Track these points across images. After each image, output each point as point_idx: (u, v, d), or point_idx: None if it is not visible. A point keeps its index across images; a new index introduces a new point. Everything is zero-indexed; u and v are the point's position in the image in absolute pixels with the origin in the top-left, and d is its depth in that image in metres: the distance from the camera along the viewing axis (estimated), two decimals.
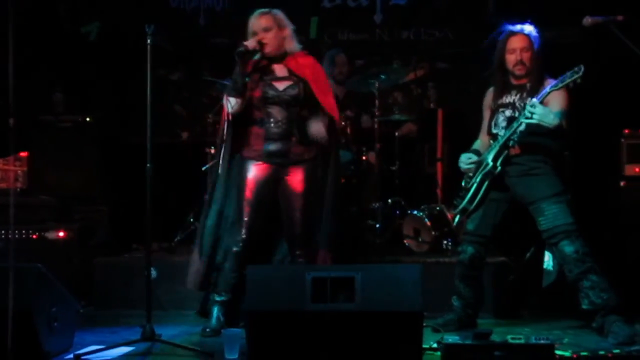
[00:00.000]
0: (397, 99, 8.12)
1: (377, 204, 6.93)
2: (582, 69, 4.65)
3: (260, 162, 5.21)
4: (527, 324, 5.51)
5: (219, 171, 5.28)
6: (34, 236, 6.35)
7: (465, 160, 5.20)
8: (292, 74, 5.23)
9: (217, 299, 5.29)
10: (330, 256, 5.29)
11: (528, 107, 4.74)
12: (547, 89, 4.79)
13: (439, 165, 7.42)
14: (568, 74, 4.70)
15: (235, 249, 5.21)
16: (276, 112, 5.18)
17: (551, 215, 4.90)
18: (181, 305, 6.02)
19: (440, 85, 8.11)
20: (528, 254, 6.32)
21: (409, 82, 7.88)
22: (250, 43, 5.11)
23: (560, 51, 6.11)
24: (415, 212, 6.77)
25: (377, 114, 6.91)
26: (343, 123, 6.86)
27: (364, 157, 7.15)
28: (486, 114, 5.24)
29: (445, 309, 5.33)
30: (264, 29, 5.17)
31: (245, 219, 5.19)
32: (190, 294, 5.76)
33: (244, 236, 5.19)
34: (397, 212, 7.07)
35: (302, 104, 5.20)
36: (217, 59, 8.17)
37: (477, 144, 5.29)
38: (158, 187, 5.22)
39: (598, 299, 4.82)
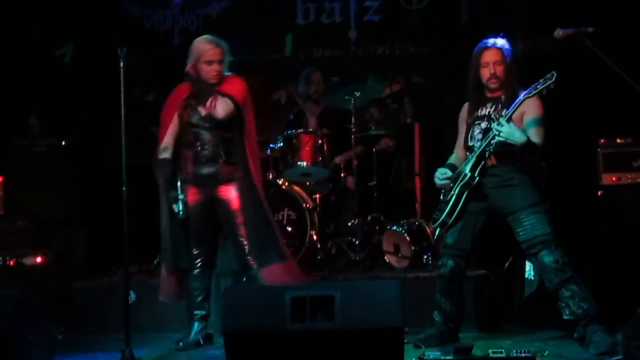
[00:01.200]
0: (374, 115, 8.12)
1: (356, 220, 6.92)
2: (555, 75, 4.68)
3: (192, 185, 5.36)
4: (509, 336, 5.51)
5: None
6: (11, 262, 6.31)
7: (440, 175, 5.20)
8: (222, 96, 5.33)
9: (196, 313, 5.43)
10: (292, 264, 5.50)
11: (495, 126, 4.78)
12: (521, 96, 4.81)
13: (417, 179, 7.42)
14: (540, 81, 4.73)
15: (195, 271, 5.41)
16: (203, 135, 5.33)
17: (529, 225, 4.90)
18: (161, 327, 6.00)
19: (416, 100, 8.12)
20: (506, 265, 6.34)
21: (385, 97, 7.89)
22: (192, 72, 5.35)
23: (534, 62, 6.16)
24: (394, 227, 6.77)
25: (353, 129, 6.91)
26: (320, 141, 6.86)
27: (341, 174, 7.15)
28: (462, 128, 5.26)
29: (427, 323, 5.32)
30: (220, 61, 5.33)
31: (194, 240, 5.40)
32: (170, 315, 5.75)
33: (199, 258, 5.41)
34: (377, 227, 7.06)
35: (227, 126, 5.34)
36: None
37: (452, 158, 5.30)
38: (136, 209, 5.21)
39: (579, 309, 4.82)
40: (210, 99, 5.31)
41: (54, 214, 6.99)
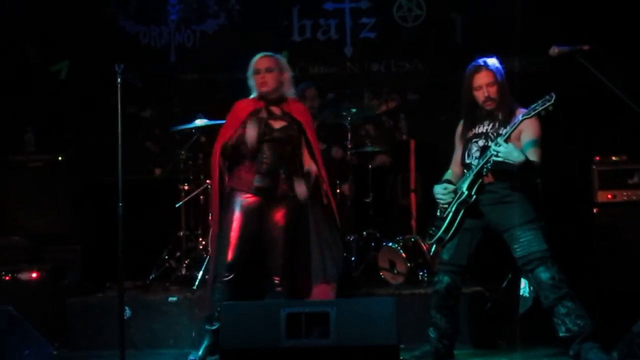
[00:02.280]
0: (369, 131, 8.14)
1: (352, 237, 6.91)
2: (554, 97, 4.69)
3: (248, 195, 5.33)
4: (504, 353, 5.51)
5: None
6: (6, 278, 6.29)
7: (442, 190, 5.20)
8: (286, 115, 5.42)
9: (208, 327, 5.35)
10: (331, 287, 5.44)
11: (493, 147, 4.80)
12: (519, 117, 4.82)
13: (412, 196, 7.42)
14: (539, 102, 4.73)
15: (223, 278, 5.27)
16: (268, 149, 5.33)
17: (526, 242, 4.91)
18: (155, 343, 5.98)
19: (412, 117, 8.15)
20: (505, 282, 6.33)
21: (381, 113, 7.91)
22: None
23: (529, 80, 6.18)
24: (390, 243, 6.77)
25: (349, 146, 6.92)
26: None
27: (337, 190, 7.15)
28: (458, 146, 5.27)
29: (422, 340, 5.31)
30: (267, 69, 5.38)
31: (233, 249, 5.28)
32: (165, 332, 5.72)
33: (231, 266, 5.27)
34: (372, 244, 7.05)
35: (293, 143, 5.40)
36: (187, 95, 8.19)
37: (448, 174, 5.30)
38: (131, 225, 5.21)
39: (574, 326, 4.82)
40: (279, 115, 5.40)
41: (49, 230, 6.98)
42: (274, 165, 5.33)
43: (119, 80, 5.00)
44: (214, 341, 5.27)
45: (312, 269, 5.47)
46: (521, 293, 5.77)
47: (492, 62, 5.11)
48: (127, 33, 8.44)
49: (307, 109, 5.68)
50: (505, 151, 4.76)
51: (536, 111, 4.74)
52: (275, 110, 5.43)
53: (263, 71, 5.37)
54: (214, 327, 5.31)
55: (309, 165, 5.45)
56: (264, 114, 5.38)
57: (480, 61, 5.12)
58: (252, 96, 5.47)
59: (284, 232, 5.35)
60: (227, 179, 5.42)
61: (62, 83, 8.28)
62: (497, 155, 4.79)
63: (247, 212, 5.32)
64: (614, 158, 6.58)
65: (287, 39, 8.38)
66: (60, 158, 7.20)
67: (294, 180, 5.38)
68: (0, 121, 7.75)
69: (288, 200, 5.37)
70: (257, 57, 5.47)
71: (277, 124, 5.38)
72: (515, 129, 4.84)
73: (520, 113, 4.87)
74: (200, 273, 6.33)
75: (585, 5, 7.46)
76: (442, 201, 5.18)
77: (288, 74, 5.48)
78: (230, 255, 5.27)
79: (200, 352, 5.31)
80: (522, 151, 4.81)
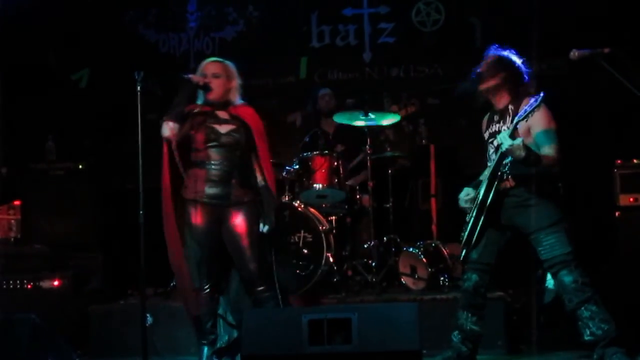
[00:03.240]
0: (389, 136, 8.14)
1: (372, 242, 6.90)
2: (542, 95, 4.69)
3: (199, 204, 5.20)
4: (527, 358, 5.48)
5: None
6: (29, 286, 6.32)
7: (464, 196, 5.19)
8: (234, 119, 5.29)
9: (206, 337, 5.28)
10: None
11: (498, 139, 4.79)
12: (515, 119, 4.79)
13: (432, 201, 7.41)
14: (532, 101, 4.73)
15: (205, 291, 5.23)
16: (217, 155, 5.21)
17: (548, 245, 4.89)
18: (178, 350, 5.99)
19: (431, 121, 8.14)
20: (536, 281, 6.29)
21: (400, 119, 7.89)
22: (198, 77, 5.22)
23: (549, 83, 6.15)
24: (410, 249, 6.75)
25: (369, 151, 6.92)
26: (335, 163, 6.87)
27: (357, 196, 7.15)
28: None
29: (444, 346, 5.29)
30: (214, 74, 5.26)
31: (205, 264, 5.21)
32: (187, 338, 5.72)
33: (208, 282, 5.22)
34: (393, 249, 7.04)
35: (242, 148, 5.26)
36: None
37: (483, 175, 5.27)
38: (152, 232, 5.22)
39: (598, 330, 4.79)
40: (226, 119, 5.28)
41: (71, 237, 7.02)
42: (223, 171, 5.19)
43: (139, 87, 5.02)
44: (213, 350, 5.26)
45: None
46: (546, 285, 5.75)
47: (496, 49, 5.13)
48: (147, 41, 8.48)
49: (255, 113, 5.41)
50: (509, 147, 4.73)
51: (527, 112, 4.71)
52: (222, 114, 5.30)
53: (210, 77, 5.25)
54: (212, 337, 5.25)
55: (259, 175, 5.31)
56: (210, 118, 5.27)
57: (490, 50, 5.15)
58: (197, 101, 5.36)
59: (248, 238, 5.19)
60: (183, 188, 5.28)
61: (82, 91, 8.33)
62: (501, 146, 4.77)
63: (205, 226, 5.20)
64: (635, 161, 6.54)
65: (305, 45, 8.40)
66: (81, 166, 7.25)
67: (260, 205, 5.26)
68: (22, 130, 7.81)
69: (243, 206, 5.23)
70: (207, 61, 5.36)
71: (224, 128, 5.24)
72: (514, 129, 4.80)
73: (526, 104, 4.84)
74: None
75: (605, 7, 7.43)
76: (462, 206, 5.18)
77: (236, 82, 5.34)
78: (204, 270, 5.19)
79: None
80: (527, 147, 4.78)
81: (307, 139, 7.56)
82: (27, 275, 6.34)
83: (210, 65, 5.31)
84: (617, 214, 6.49)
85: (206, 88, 5.24)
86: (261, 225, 5.24)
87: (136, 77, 5.02)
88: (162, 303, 6.40)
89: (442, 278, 6.57)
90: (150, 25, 8.48)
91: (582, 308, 4.82)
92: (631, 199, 6.46)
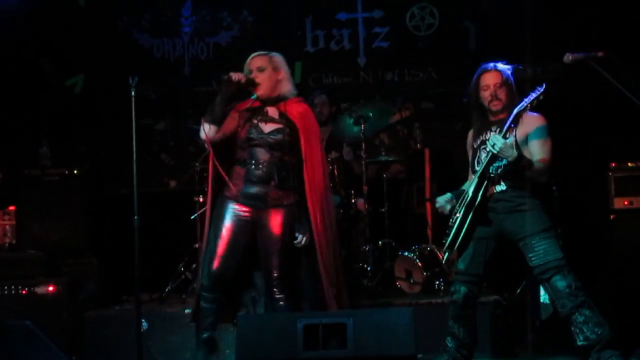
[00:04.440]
0: (384, 140, 8.14)
1: (368, 246, 6.91)
2: (544, 86, 4.71)
3: (238, 203, 5.10)
4: None
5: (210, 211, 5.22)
6: (23, 291, 6.30)
7: (442, 199, 5.21)
8: (282, 118, 5.15)
9: (204, 335, 5.20)
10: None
11: (489, 139, 4.80)
12: (515, 111, 4.80)
13: (428, 205, 7.41)
14: (531, 94, 4.76)
15: (211, 291, 5.11)
16: (259, 154, 5.08)
17: (542, 251, 4.88)
18: (172, 356, 5.98)
19: (426, 125, 8.14)
20: (519, 290, 6.31)
21: (395, 123, 7.91)
22: (236, 75, 5.06)
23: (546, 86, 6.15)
24: (406, 253, 6.76)
25: (364, 156, 6.92)
26: (330, 167, 6.86)
27: (352, 200, 7.15)
28: (470, 153, 5.26)
29: (440, 350, 5.29)
30: (258, 68, 5.13)
31: (219, 259, 5.07)
32: (182, 344, 5.72)
33: (216, 276, 5.07)
34: (388, 253, 7.05)
35: (286, 149, 5.12)
36: (202, 107, 8.18)
37: (466, 185, 5.28)
38: (147, 237, 5.21)
39: (593, 334, 4.79)
40: (273, 118, 5.14)
41: (66, 243, 7.00)
42: (263, 171, 5.07)
43: (133, 93, 5.01)
44: (207, 350, 5.19)
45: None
46: (542, 300, 5.75)
47: (502, 65, 5.11)
48: (141, 46, 8.47)
49: (309, 111, 5.30)
50: (502, 145, 4.74)
51: (527, 102, 4.74)
52: (272, 111, 5.17)
53: (255, 71, 5.12)
54: (203, 336, 5.16)
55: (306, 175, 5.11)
56: (257, 115, 5.15)
57: (490, 64, 5.12)
58: (252, 97, 5.19)
59: (280, 243, 5.07)
60: (218, 184, 5.17)
61: (77, 97, 8.32)
62: (493, 148, 4.78)
63: (238, 222, 5.09)
64: (630, 164, 6.54)
65: (300, 49, 8.39)
66: (75, 171, 7.23)
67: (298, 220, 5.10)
68: (16, 135, 7.80)
69: (281, 209, 5.09)
70: (251, 56, 5.21)
71: (268, 127, 5.11)
72: (512, 123, 4.82)
73: (525, 117, 4.85)
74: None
75: (599, 11, 7.44)
76: (439, 208, 5.18)
77: (284, 72, 5.20)
78: (215, 265, 5.06)
79: None
80: (519, 150, 4.79)
81: None
82: (21, 281, 6.32)
83: (254, 60, 5.17)
84: (611, 217, 6.49)
85: (252, 84, 5.10)
86: (296, 234, 5.09)
87: (130, 82, 5.02)
88: (157, 309, 6.39)
89: (437, 282, 6.58)
90: (145, 31, 8.48)
91: (576, 313, 4.82)
92: (626, 202, 6.46)
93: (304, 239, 5.09)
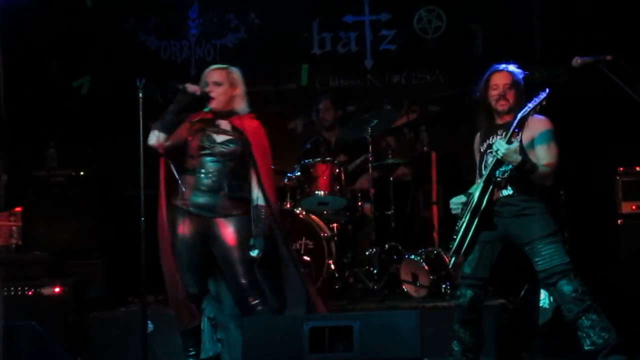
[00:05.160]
0: (390, 143, 8.11)
1: (374, 250, 6.89)
2: (547, 91, 4.70)
3: (187, 212, 5.12)
4: None
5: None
6: (29, 292, 6.32)
7: (455, 200, 5.19)
8: (235, 131, 5.17)
9: (191, 351, 5.26)
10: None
11: (494, 145, 4.79)
12: (519, 115, 4.79)
13: (434, 208, 7.40)
14: (534, 99, 4.74)
15: (196, 299, 5.20)
16: (209, 164, 5.10)
17: (548, 255, 4.86)
18: (178, 357, 5.95)
19: (433, 129, 8.13)
20: (522, 293, 6.29)
21: (402, 126, 7.89)
22: (192, 87, 5.07)
23: (550, 91, 6.14)
24: (412, 256, 6.74)
25: (370, 159, 6.91)
26: (337, 170, 6.86)
27: (359, 203, 7.15)
28: (477, 158, 5.25)
29: (446, 354, 5.27)
30: (215, 82, 5.14)
31: (192, 275, 5.14)
32: None
33: (197, 288, 5.16)
34: (394, 256, 7.03)
35: (237, 160, 5.13)
36: None
37: (474, 188, 5.27)
38: (153, 239, 5.20)
39: (599, 339, 4.77)
40: (225, 129, 5.17)
41: (72, 244, 7.03)
42: (213, 181, 5.08)
43: (140, 94, 5.01)
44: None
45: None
46: (541, 304, 5.73)
47: (513, 67, 5.09)
48: (148, 48, 8.49)
49: (261, 128, 5.26)
50: (506, 150, 4.73)
51: (530, 108, 4.73)
52: (224, 124, 5.18)
53: (212, 85, 5.12)
54: (193, 352, 5.22)
55: (256, 193, 5.12)
56: (209, 126, 5.16)
57: (502, 65, 5.11)
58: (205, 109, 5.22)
59: (238, 251, 5.05)
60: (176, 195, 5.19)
61: (83, 98, 8.33)
62: (497, 153, 4.77)
63: (192, 236, 5.10)
64: (638, 169, 6.53)
65: (307, 52, 8.40)
66: (82, 173, 7.25)
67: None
68: (23, 137, 7.81)
69: (231, 218, 5.09)
70: (209, 68, 5.23)
71: (220, 138, 5.12)
72: (516, 128, 4.80)
73: (531, 120, 4.84)
74: None
75: (607, 15, 7.43)
76: (453, 211, 5.17)
77: (240, 89, 5.21)
78: (191, 281, 5.14)
79: None
80: (524, 155, 4.78)
81: (308, 146, 7.58)
82: (28, 282, 6.34)
83: (212, 73, 5.18)
84: (619, 221, 6.48)
85: (206, 97, 5.12)
86: (250, 249, 5.03)
87: (137, 84, 5.02)
88: (163, 310, 6.37)
89: (443, 285, 6.56)
90: (151, 32, 8.49)
91: (583, 317, 4.80)
92: (633, 207, 6.45)
93: (259, 253, 5.03)
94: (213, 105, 5.15)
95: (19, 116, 7.82)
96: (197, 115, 5.22)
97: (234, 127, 5.17)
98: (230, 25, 8.50)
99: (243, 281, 5.07)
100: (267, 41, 8.35)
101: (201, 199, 5.08)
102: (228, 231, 5.08)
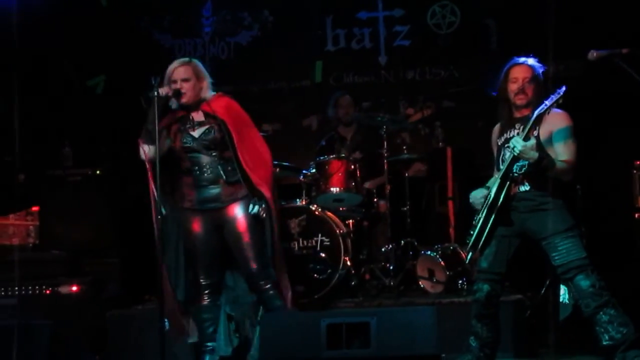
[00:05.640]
0: (405, 139, 8.12)
1: (390, 246, 6.89)
2: (564, 88, 4.68)
3: (196, 211, 5.23)
4: None
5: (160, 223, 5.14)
6: (47, 291, 6.34)
7: (475, 195, 5.18)
8: (208, 117, 5.23)
9: (208, 344, 5.33)
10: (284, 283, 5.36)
11: (511, 142, 4.77)
12: (535, 113, 4.77)
13: (450, 204, 7.39)
14: (551, 96, 4.72)
15: (206, 301, 5.28)
16: (198, 159, 5.21)
17: (565, 250, 4.85)
18: (194, 356, 5.97)
19: (448, 124, 8.12)
20: (543, 290, 6.27)
21: (416, 121, 7.90)
22: (164, 89, 5.10)
23: (565, 85, 6.12)
24: (428, 252, 6.73)
25: (385, 154, 6.90)
26: (352, 167, 6.86)
27: (374, 199, 7.14)
28: (495, 151, 5.23)
29: (463, 349, 5.26)
30: (183, 79, 5.18)
31: (204, 270, 5.25)
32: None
33: (208, 288, 5.26)
34: (410, 252, 7.03)
35: (221, 146, 5.21)
36: None
37: (491, 182, 5.25)
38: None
39: (617, 334, 4.75)
40: (199, 121, 5.23)
41: (88, 243, 7.04)
42: (209, 173, 5.19)
43: (155, 93, 5.02)
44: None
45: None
46: (561, 300, 5.71)
47: (532, 61, 5.07)
48: (162, 46, 8.51)
49: (231, 102, 5.35)
50: (522, 148, 4.72)
51: (547, 106, 4.71)
52: (197, 115, 5.25)
53: (180, 81, 5.17)
54: (214, 345, 5.29)
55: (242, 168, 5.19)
56: (185, 124, 5.23)
57: (521, 58, 5.09)
58: (173, 107, 5.26)
59: (249, 234, 5.19)
60: (175, 194, 5.30)
61: (98, 97, 8.35)
62: (513, 151, 4.76)
63: (204, 230, 5.22)
64: None
65: (321, 48, 8.40)
66: (98, 172, 7.27)
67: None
68: (39, 136, 7.84)
69: (238, 203, 5.21)
70: (174, 64, 5.25)
71: (197, 132, 5.22)
72: (533, 124, 4.79)
73: (549, 115, 4.83)
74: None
75: (622, 8, 7.40)
76: (473, 205, 5.16)
77: (206, 81, 5.27)
78: (203, 277, 5.24)
79: None
80: (542, 150, 4.76)
81: (323, 143, 7.58)
82: (45, 281, 6.36)
83: (178, 71, 5.21)
84: (636, 215, 6.45)
85: (177, 95, 5.17)
86: (250, 206, 5.17)
87: (152, 82, 5.03)
88: None
89: (460, 281, 6.55)
90: (166, 31, 8.52)
91: (601, 312, 4.78)
92: None
93: (260, 210, 5.18)
94: (183, 100, 5.19)
95: (34, 115, 7.85)
96: (167, 119, 5.26)
97: (206, 114, 5.25)
98: (243, 23, 8.51)
99: (254, 266, 5.19)
100: (281, 38, 8.35)
101: (204, 194, 5.20)
102: (237, 217, 5.20)
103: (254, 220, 5.21)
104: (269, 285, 5.20)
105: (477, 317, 5.17)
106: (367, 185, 7.14)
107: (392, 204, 7.01)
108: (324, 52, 8.42)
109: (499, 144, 5.14)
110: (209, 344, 5.33)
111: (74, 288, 6.36)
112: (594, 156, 6.10)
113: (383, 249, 7.01)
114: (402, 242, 7.09)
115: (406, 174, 7.26)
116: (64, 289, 6.35)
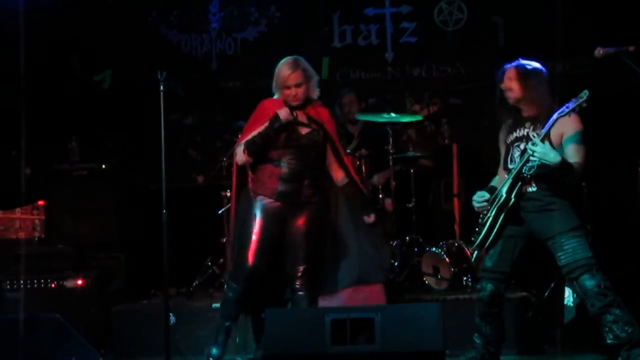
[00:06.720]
0: (411, 136, 8.12)
1: (395, 242, 6.89)
2: (587, 93, 4.67)
3: (271, 200, 5.30)
4: (551, 359, 5.44)
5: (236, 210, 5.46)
6: (53, 285, 6.37)
7: (478, 198, 5.18)
8: (311, 121, 5.37)
9: (224, 324, 5.42)
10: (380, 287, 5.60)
11: (529, 146, 4.77)
12: (554, 116, 4.77)
13: (455, 200, 7.39)
14: (573, 100, 4.72)
15: (241, 281, 5.31)
16: (293, 154, 5.29)
17: (570, 249, 4.85)
18: (200, 350, 5.98)
19: (454, 121, 8.11)
20: (548, 291, 6.26)
21: (423, 118, 7.88)
22: (284, 114, 5.22)
23: (572, 83, 6.11)
24: (433, 249, 6.74)
25: (391, 151, 6.90)
26: (358, 163, 6.85)
27: (380, 196, 7.14)
28: (502, 150, 5.23)
29: (467, 346, 5.27)
30: (297, 84, 5.27)
31: (253, 253, 5.26)
32: (209, 338, 5.74)
33: (251, 270, 5.27)
34: (415, 249, 7.02)
35: (317, 149, 5.38)
36: (229, 102, 8.23)
37: (495, 181, 5.25)
38: (175, 232, 5.23)
39: (622, 333, 4.75)
40: (305, 122, 5.35)
41: (94, 237, 7.06)
42: (297, 171, 5.29)
43: (161, 88, 5.04)
44: (225, 337, 5.41)
45: (352, 272, 5.50)
46: (565, 302, 5.71)
47: (517, 62, 5.08)
48: (169, 42, 8.50)
49: (329, 112, 5.58)
50: (542, 151, 4.72)
51: (569, 109, 4.71)
52: (301, 115, 5.36)
53: (293, 87, 5.26)
54: (226, 324, 5.39)
55: (337, 173, 5.47)
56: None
57: (507, 64, 5.11)
58: (276, 96, 5.38)
59: (306, 238, 5.33)
60: (250, 182, 5.38)
61: (105, 92, 8.36)
62: (533, 155, 4.76)
63: (269, 217, 5.29)
64: None
65: (327, 45, 8.39)
66: (104, 166, 7.28)
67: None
68: (45, 130, 7.85)
69: (311, 206, 5.36)
70: (284, 68, 5.30)
71: (304, 130, 5.34)
72: (551, 128, 4.79)
73: (561, 118, 4.83)
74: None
75: (629, 5, 7.38)
76: (476, 208, 5.16)
77: (315, 79, 5.38)
78: (250, 259, 5.26)
79: (217, 349, 5.37)
80: (560, 153, 4.76)
81: None
82: (51, 275, 6.40)
83: (291, 77, 5.26)
84: None
85: (293, 108, 5.29)
86: (365, 218, 5.54)
87: (159, 77, 5.04)
88: (185, 303, 6.42)
89: (465, 278, 6.55)
90: (173, 26, 8.51)
91: (606, 312, 4.79)
92: None
93: (372, 215, 5.59)
94: (295, 102, 5.31)
95: (41, 110, 7.87)
96: (271, 103, 5.38)
97: (310, 118, 5.38)
98: (250, 19, 8.50)
99: (299, 266, 5.31)
100: (287, 34, 8.34)
101: (286, 188, 5.30)
102: (305, 217, 5.36)
103: (315, 225, 5.38)
104: (303, 288, 5.30)
105: (481, 316, 5.18)
106: (374, 180, 7.13)
107: (398, 201, 7.01)
108: (331, 48, 8.40)
109: (507, 142, 5.14)
110: (227, 322, 5.42)
111: (80, 282, 6.38)
112: (601, 154, 6.08)
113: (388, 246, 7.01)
114: (407, 238, 7.09)
115: (412, 171, 7.26)
116: (69, 283, 6.37)
